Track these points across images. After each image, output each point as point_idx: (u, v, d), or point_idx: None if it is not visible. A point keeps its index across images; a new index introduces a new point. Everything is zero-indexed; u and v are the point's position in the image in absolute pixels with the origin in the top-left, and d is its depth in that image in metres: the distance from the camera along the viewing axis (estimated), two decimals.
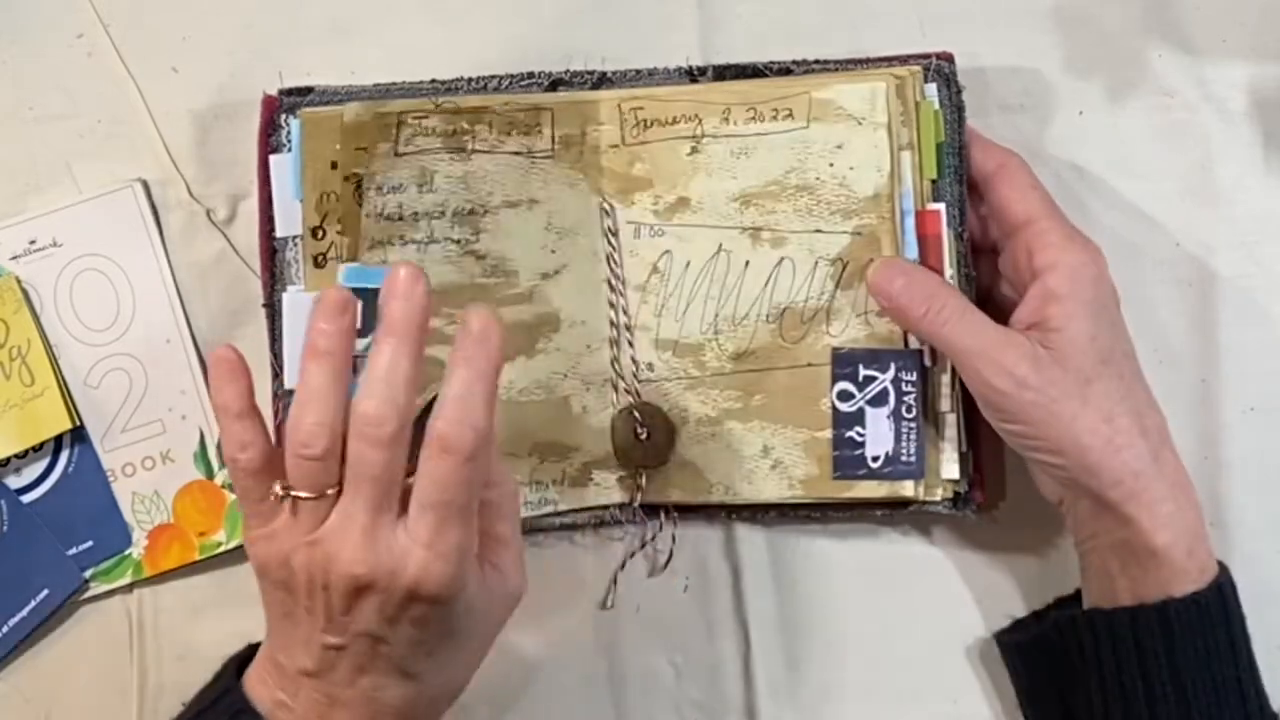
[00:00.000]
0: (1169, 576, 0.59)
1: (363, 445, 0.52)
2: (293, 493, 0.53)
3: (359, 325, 0.56)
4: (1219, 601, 0.59)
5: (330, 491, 0.53)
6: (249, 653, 0.59)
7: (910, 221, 0.62)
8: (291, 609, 0.55)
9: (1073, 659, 0.62)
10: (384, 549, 0.52)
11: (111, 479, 0.68)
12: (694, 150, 0.64)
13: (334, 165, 0.64)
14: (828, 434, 0.64)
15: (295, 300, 0.65)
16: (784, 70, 0.65)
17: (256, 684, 0.57)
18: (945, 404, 0.64)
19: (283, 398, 0.66)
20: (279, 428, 0.66)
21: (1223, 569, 0.61)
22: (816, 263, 0.63)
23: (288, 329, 0.65)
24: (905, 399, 0.63)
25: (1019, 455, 0.62)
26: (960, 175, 0.64)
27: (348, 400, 0.53)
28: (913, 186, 0.63)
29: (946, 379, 0.63)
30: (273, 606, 0.56)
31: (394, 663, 0.55)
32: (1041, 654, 0.64)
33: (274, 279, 0.66)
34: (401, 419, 0.52)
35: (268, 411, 0.67)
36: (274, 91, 0.66)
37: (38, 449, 0.68)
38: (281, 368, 0.66)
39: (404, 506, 0.53)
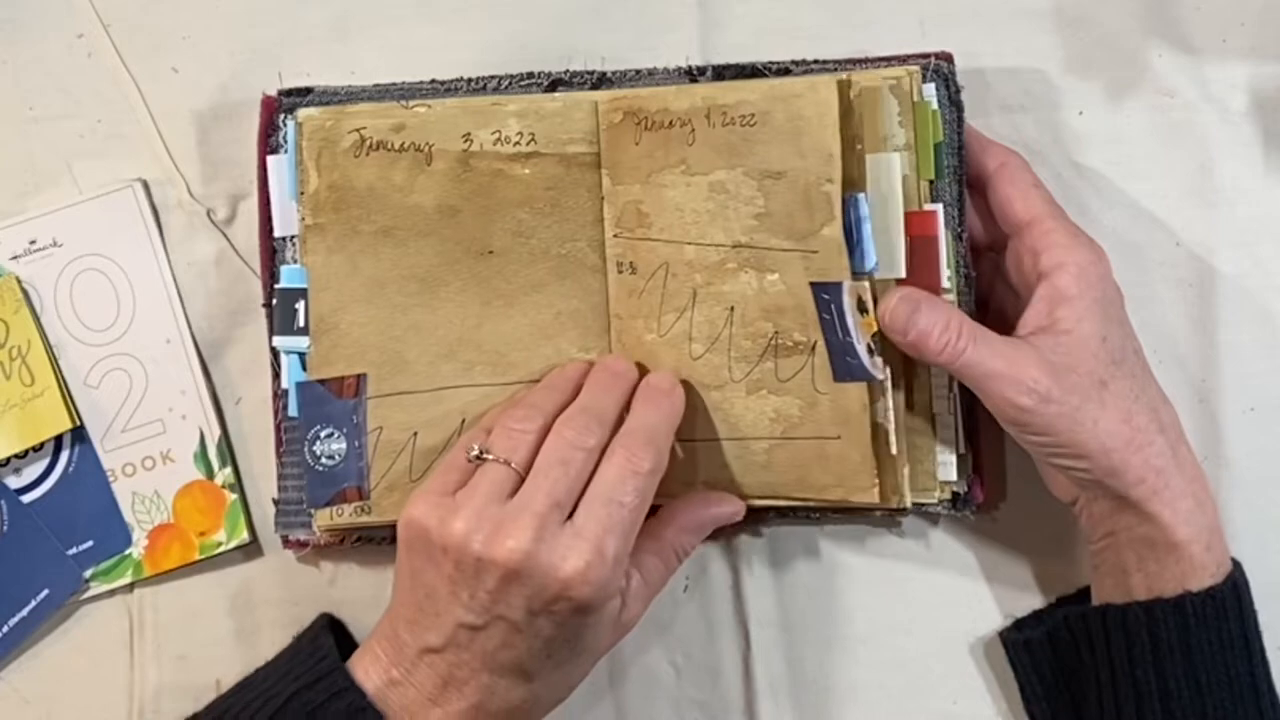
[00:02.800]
0: (1187, 571, 0.59)
1: (562, 443, 0.57)
2: (488, 455, 0.57)
3: (299, 324, 0.63)
4: (1234, 596, 0.59)
5: (518, 470, 0.57)
6: (332, 622, 0.63)
7: (867, 228, 0.62)
8: (432, 582, 0.57)
9: (1084, 655, 0.62)
10: (550, 539, 0.55)
11: (111, 479, 0.68)
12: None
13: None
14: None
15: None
16: (784, 70, 0.65)
17: (367, 663, 0.59)
18: (942, 406, 0.64)
19: (282, 397, 0.66)
20: (278, 428, 0.66)
21: (1236, 565, 0.61)
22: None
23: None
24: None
25: (1019, 455, 0.62)
26: (960, 175, 0.64)
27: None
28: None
29: (943, 381, 0.63)
30: (409, 579, 0.58)
31: (519, 659, 0.57)
32: (1051, 650, 0.64)
33: (274, 279, 0.66)
34: (603, 437, 0.58)
35: (267, 411, 0.67)
36: (273, 92, 0.66)
37: (38, 449, 0.68)
38: (280, 367, 0.66)
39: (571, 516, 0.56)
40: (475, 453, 0.58)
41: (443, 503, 0.57)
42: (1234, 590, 0.60)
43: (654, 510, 0.61)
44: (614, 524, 0.56)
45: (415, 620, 0.57)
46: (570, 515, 0.56)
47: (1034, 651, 0.65)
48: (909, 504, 0.63)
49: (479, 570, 0.55)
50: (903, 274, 0.62)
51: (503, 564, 0.55)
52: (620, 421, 0.59)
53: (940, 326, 0.59)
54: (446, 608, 0.56)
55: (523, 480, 0.57)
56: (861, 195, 0.61)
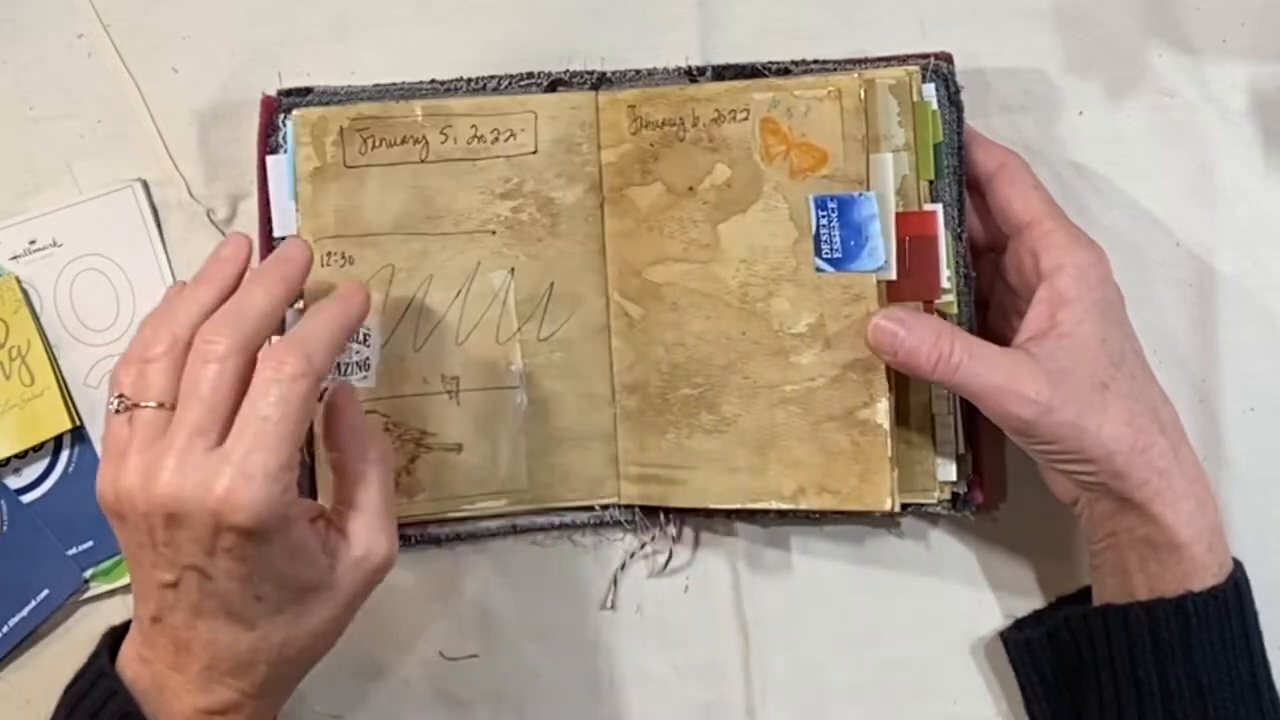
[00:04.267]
0: (1189, 571, 0.59)
1: (196, 361, 0.53)
2: (128, 400, 0.54)
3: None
4: (1236, 597, 0.59)
5: (164, 406, 0.54)
6: (124, 628, 0.60)
7: (875, 226, 0.61)
8: (131, 550, 0.55)
9: (1085, 655, 0.62)
10: (193, 469, 0.52)
11: None
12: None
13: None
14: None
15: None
16: (784, 70, 0.65)
17: (127, 648, 0.57)
18: (942, 406, 0.64)
19: None
20: None
21: (1237, 564, 0.61)
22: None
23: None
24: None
25: (1019, 455, 0.62)
26: (959, 176, 0.64)
27: (202, 316, 0.55)
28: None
29: None
30: (124, 551, 0.56)
31: (223, 604, 0.54)
32: (1052, 650, 0.64)
33: None
34: (238, 342, 0.54)
35: None
36: (273, 92, 0.66)
37: (38, 449, 0.68)
38: None
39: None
40: (115, 405, 0.55)
41: (108, 468, 0.55)
42: (1235, 590, 0.60)
43: None
44: (259, 440, 0.52)
45: (136, 593, 0.56)
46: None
47: (1034, 651, 0.65)
48: (898, 506, 0.63)
49: (148, 522, 0.54)
50: (894, 276, 0.61)
51: (159, 508, 0.53)
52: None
53: (929, 344, 0.58)
54: (145, 572, 0.55)
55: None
56: (870, 194, 0.61)
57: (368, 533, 0.57)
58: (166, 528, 0.53)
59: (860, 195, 0.61)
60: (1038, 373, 0.58)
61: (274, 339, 0.55)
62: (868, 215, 0.61)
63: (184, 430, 0.53)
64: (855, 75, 0.61)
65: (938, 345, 0.58)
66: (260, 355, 0.54)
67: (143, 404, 0.54)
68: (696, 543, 0.69)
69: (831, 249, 0.61)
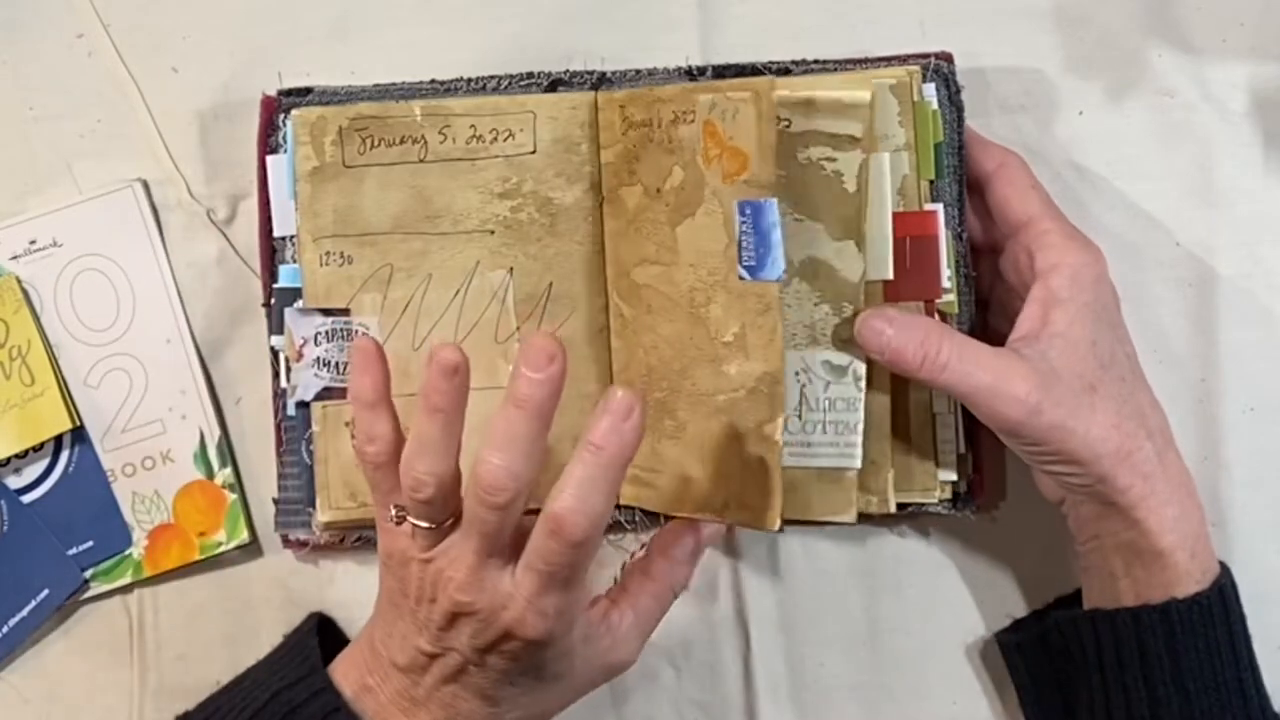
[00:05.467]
0: (1173, 578, 0.59)
1: (477, 505, 0.53)
2: (409, 519, 0.55)
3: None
4: (1221, 602, 0.59)
5: (446, 523, 0.55)
6: (322, 623, 0.62)
7: (777, 235, 0.58)
8: (399, 602, 0.57)
9: (1075, 659, 0.62)
10: (490, 587, 0.54)
11: (111, 479, 0.68)
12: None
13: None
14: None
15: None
16: (784, 70, 0.65)
17: (348, 665, 0.59)
18: (942, 405, 0.64)
19: (282, 397, 0.66)
20: (278, 427, 0.66)
21: (1224, 570, 0.61)
22: None
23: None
24: None
25: (1019, 455, 0.62)
26: (960, 175, 0.64)
27: (459, 447, 0.54)
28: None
29: None
30: (386, 595, 0.58)
31: (479, 686, 0.57)
32: (1043, 654, 0.64)
33: (274, 279, 0.66)
34: (516, 489, 0.53)
35: (267, 411, 0.67)
36: (273, 92, 0.66)
37: (38, 449, 0.68)
38: (280, 367, 0.66)
39: (517, 548, 0.55)
40: (395, 516, 0.56)
41: (396, 535, 0.56)
42: (1220, 597, 0.59)
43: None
44: (549, 585, 0.54)
45: (387, 635, 0.58)
46: (517, 550, 0.55)
47: (1027, 654, 0.65)
48: (893, 508, 0.62)
49: (431, 605, 0.56)
50: (890, 276, 0.61)
51: (444, 608, 0.55)
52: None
53: (915, 343, 0.58)
54: (408, 631, 0.57)
55: (456, 523, 0.55)
56: (773, 201, 0.58)
57: (631, 639, 0.60)
58: (448, 622, 0.55)
59: (765, 202, 0.58)
60: (1028, 374, 0.58)
61: (558, 498, 0.52)
62: (771, 223, 0.58)
63: (471, 555, 0.54)
64: (769, 79, 0.58)
65: (924, 345, 0.58)
66: (544, 513, 0.53)
67: (419, 525, 0.55)
68: None
69: (748, 257, 0.59)
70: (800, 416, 0.62)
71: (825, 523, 0.64)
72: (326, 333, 0.64)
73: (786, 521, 0.65)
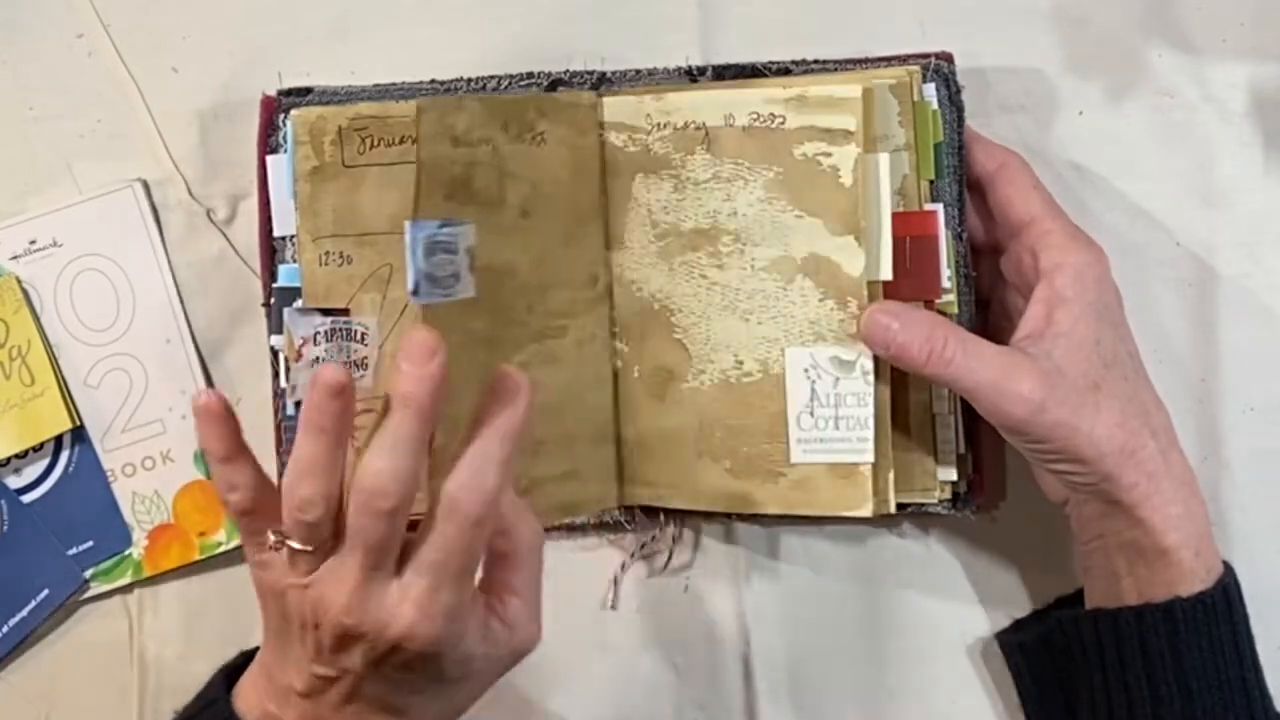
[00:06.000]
0: (1176, 577, 0.59)
1: (363, 515, 0.51)
2: (288, 543, 0.53)
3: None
4: (1225, 601, 0.59)
5: (326, 545, 0.53)
6: (240, 660, 0.59)
7: None
8: (286, 632, 0.55)
9: (1076, 658, 0.62)
10: (374, 604, 0.52)
11: (111, 479, 0.68)
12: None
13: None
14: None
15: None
16: (784, 70, 0.65)
17: (249, 690, 0.57)
18: (942, 405, 0.64)
19: (282, 397, 0.66)
20: (278, 427, 0.66)
21: (1228, 569, 0.61)
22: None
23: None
24: None
25: (1018, 455, 0.62)
26: (960, 176, 0.64)
27: (343, 467, 0.52)
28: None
29: None
30: (270, 622, 0.56)
31: (380, 699, 0.55)
32: (1045, 653, 0.64)
33: (274, 279, 0.66)
34: (404, 493, 0.51)
35: (267, 411, 0.67)
36: (273, 92, 0.66)
37: (38, 449, 0.68)
38: (278, 369, 0.66)
39: (401, 559, 0.53)
40: (275, 542, 0.53)
41: (271, 566, 0.54)
42: (1224, 595, 0.59)
43: None
44: (441, 582, 0.52)
45: (280, 663, 0.56)
46: (401, 560, 0.53)
47: (1028, 654, 0.65)
48: (893, 509, 0.63)
49: (317, 634, 0.53)
50: (889, 276, 0.61)
51: (331, 629, 0.53)
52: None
53: (921, 338, 0.58)
54: (300, 658, 0.55)
55: (335, 545, 0.53)
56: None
57: (527, 620, 0.57)
58: (337, 642, 0.53)
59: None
60: (1032, 371, 0.58)
61: (451, 480, 0.52)
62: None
63: (356, 571, 0.52)
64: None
65: (930, 340, 0.58)
66: (445, 488, 0.52)
67: (299, 549, 0.53)
68: (696, 543, 0.69)
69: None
70: (812, 413, 0.62)
71: (837, 519, 0.64)
72: (326, 333, 0.64)
73: (799, 518, 0.66)
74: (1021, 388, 0.57)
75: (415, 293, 0.52)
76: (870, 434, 0.62)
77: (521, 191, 0.61)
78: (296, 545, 0.53)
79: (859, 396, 0.62)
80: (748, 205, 0.62)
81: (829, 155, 0.61)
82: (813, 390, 0.62)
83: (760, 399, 0.63)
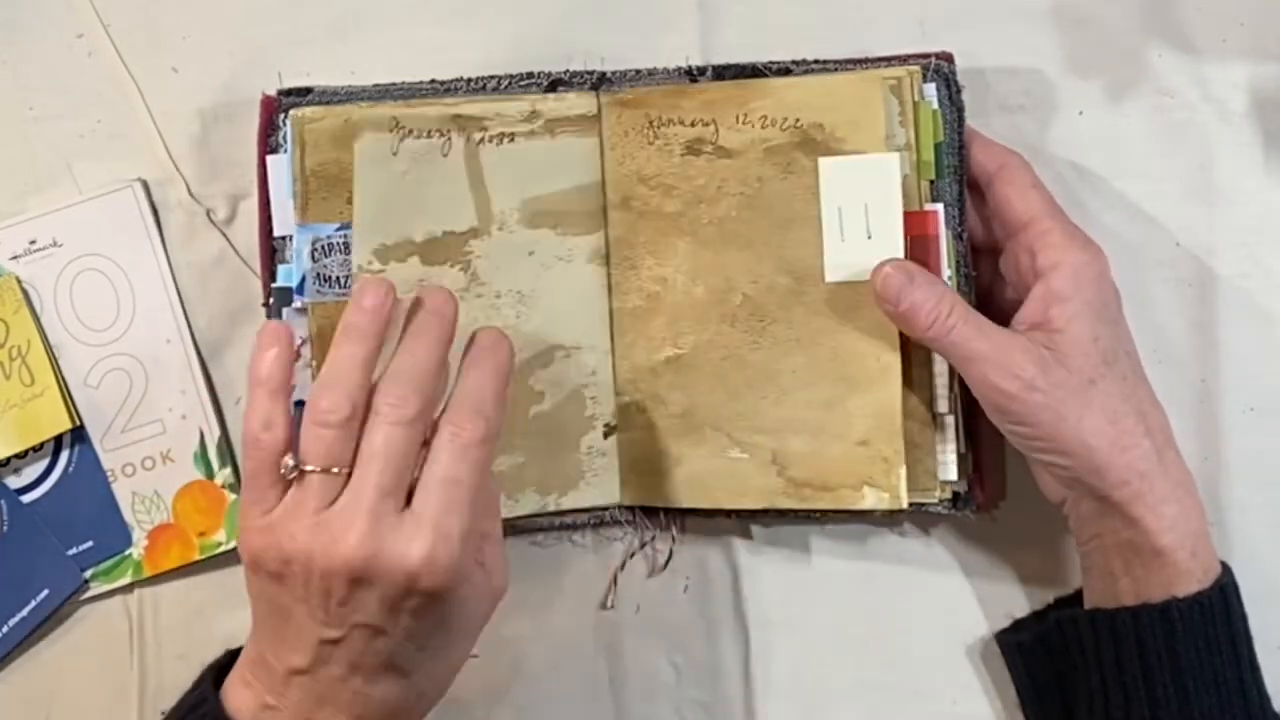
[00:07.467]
0: (1173, 577, 0.59)
1: (381, 424, 0.53)
2: (305, 466, 0.53)
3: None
4: (1222, 602, 0.59)
5: (341, 471, 0.53)
6: (226, 659, 0.59)
7: None
8: (286, 604, 0.54)
9: (1074, 658, 0.62)
10: (388, 532, 0.52)
11: (111, 479, 0.68)
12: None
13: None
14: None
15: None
16: (784, 70, 0.65)
17: (240, 688, 0.56)
18: (943, 405, 0.64)
19: None
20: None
21: (1225, 569, 0.61)
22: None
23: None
24: None
25: (1019, 455, 0.62)
26: (960, 175, 0.64)
27: (370, 380, 0.54)
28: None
29: (944, 381, 0.63)
30: (264, 603, 0.56)
31: (387, 657, 0.54)
32: (1043, 653, 0.64)
33: (273, 279, 0.66)
34: (423, 404, 0.54)
35: None
36: (273, 92, 0.66)
37: (38, 449, 0.68)
38: None
39: (409, 501, 0.54)
40: (291, 468, 0.54)
41: (274, 525, 0.54)
42: (1221, 596, 0.59)
43: None
44: (453, 503, 0.53)
45: (278, 643, 0.55)
46: (409, 499, 0.54)
47: (1027, 654, 0.65)
48: (905, 504, 0.63)
49: (326, 583, 0.53)
50: None
51: (345, 570, 0.52)
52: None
53: (932, 302, 0.59)
54: (304, 626, 0.54)
55: (349, 478, 0.53)
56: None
57: (500, 565, 0.57)
58: (350, 588, 0.53)
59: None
60: (1028, 350, 0.58)
61: (451, 407, 0.55)
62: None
63: (371, 492, 0.53)
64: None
65: (939, 306, 0.59)
66: (444, 419, 0.54)
67: (316, 469, 0.53)
68: (697, 543, 0.69)
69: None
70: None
71: (839, 513, 0.66)
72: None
73: (800, 516, 0.66)
74: (1015, 363, 0.58)
75: (300, 291, 0.58)
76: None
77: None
78: (314, 467, 0.53)
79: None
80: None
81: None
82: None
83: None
